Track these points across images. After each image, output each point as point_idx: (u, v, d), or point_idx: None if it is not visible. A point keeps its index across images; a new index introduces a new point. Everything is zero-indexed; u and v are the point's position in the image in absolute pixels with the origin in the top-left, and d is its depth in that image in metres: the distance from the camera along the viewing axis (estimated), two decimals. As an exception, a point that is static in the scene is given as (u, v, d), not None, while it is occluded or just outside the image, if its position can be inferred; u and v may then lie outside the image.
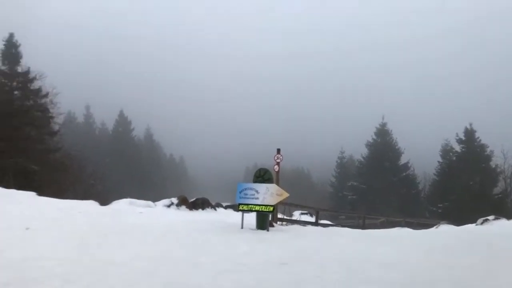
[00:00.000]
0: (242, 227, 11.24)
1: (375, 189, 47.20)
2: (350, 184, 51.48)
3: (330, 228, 13.18)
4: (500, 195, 39.50)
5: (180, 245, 8.25)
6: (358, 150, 53.84)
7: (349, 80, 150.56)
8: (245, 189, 11.52)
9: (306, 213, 22.02)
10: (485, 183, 42.49)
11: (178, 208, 15.81)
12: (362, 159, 52.05)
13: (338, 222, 27.31)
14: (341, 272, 6.46)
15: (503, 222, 13.09)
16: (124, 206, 14.14)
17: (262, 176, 11.75)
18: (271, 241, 9.48)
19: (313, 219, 17.44)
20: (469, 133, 44.88)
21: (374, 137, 51.24)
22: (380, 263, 7.24)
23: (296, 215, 19.85)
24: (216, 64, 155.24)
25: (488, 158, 43.26)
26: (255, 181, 11.75)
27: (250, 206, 11.33)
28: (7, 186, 15.60)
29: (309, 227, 13.17)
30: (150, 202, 15.75)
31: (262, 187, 11.35)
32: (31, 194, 12.59)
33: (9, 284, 4.88)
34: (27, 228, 8.15)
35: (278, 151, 13.61)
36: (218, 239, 9.33)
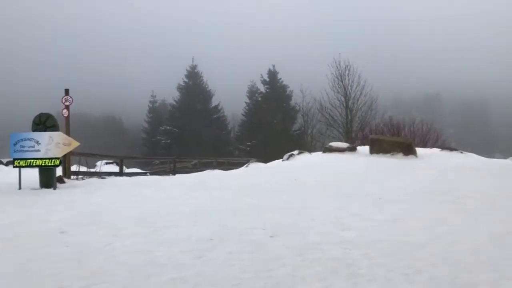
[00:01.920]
0: (20, 188, 8.99)
1: (188, 132, 47.09)
2: (163, 128, 50.31)
3: (136, 178, 11.80)
4: (299, 131, 43.48)
5: None
6: (171, 94, 52.56)
7: (155, 19, 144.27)
8: (22, 140, 9.17)
9: (111, 163, 20.01)
10: (286, 121, 46.22)
11: None
12: (174, 103, 51.06)
13: (151, 168, 26.07)
14: (137, 233, 5.21)
15: (306, 155, 13.60)
16: None
17: (44, 122, 9.49)
18: (56, 202, 7.63)
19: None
20: (272, 74, 47.67)
21: (186, 80, 50.47)
22: (183, 214, 6.25)
23: (100, 166, 17.77)
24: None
25: (289, 97, 46.92)
26: (34, 130, 9.45)
27: (29, 160, 9.08)
28: None
29: (111, 178, 11.51)
30: None
31: (44, 137, 9.17)
32: None
33: None
34: None
35: (67, 92, 11.27)
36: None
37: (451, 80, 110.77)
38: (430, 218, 6.22)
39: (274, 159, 15.77)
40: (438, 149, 13.85)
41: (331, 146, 13.99)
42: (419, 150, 13.42)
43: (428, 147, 16.50)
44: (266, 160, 16.59)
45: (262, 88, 48.55)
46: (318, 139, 31.99)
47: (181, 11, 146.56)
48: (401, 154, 12.78)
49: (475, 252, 4.32)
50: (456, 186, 8.54)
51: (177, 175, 15.42)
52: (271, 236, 4.93)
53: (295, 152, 13.60)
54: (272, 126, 45.34)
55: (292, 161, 12.88)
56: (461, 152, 13.08)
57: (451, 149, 13.55)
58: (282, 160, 13.23)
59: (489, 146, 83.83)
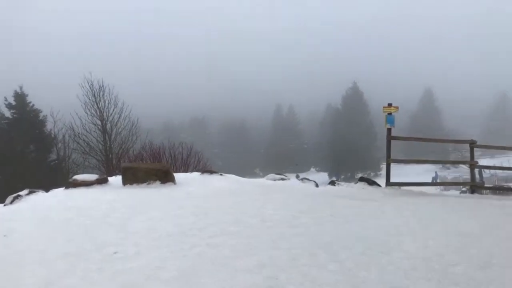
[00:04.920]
0: None
1: None
2: None
3: None
4: (56, 161, 38.18)
5: None
6: None
7: None
8: None
9: None
10: (42, 151, 40.16)
11: None
12: None
13: None
14: None
15: (40, 195, 10.64)
16: None
17: None
18: None
19: None
20: (20, 97, 40.87)
21: None
22: None
23: None
24: None
25: (42, 123, 40.86)
26: None
27: None
28: None
29: None
30: None
31: None
32: None
33: None
34: None
35: None
36: None
37: (215, 102, 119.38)
38: (175, 277, 4.56)
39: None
40: (199, 173, 12.81)
41: (75, 180, 11.39)
42: (178, 175, 12.12)
43: (189, 171, 15.50)
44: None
45: (7, 113, 41.16)
46: (75, 170, 28.03)
47: None
48: (158, 183, 11.21)
49: None
50: (213, 219, 7.25)
51: None
52: None
53: (23, 192, 10.43)
54: (24, 157, 38.68)
55: (17, 205, 9.75)
56: (221, 174, 12.32)
57: (211, 172, 12.67)
58: (4, 205, 9.96)
59: (250, 163, 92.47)
